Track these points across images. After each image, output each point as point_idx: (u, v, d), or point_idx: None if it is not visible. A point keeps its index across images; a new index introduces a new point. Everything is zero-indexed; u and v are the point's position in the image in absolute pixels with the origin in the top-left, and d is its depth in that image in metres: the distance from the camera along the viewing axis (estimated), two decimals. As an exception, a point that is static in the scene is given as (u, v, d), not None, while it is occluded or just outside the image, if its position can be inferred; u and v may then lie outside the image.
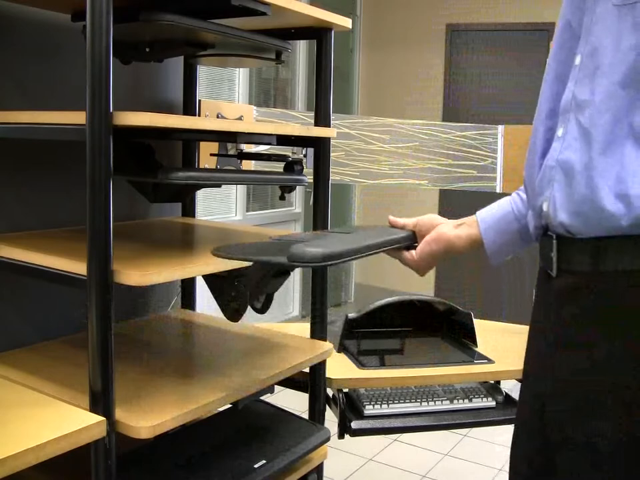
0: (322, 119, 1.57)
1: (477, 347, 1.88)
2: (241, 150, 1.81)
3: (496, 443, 2.95)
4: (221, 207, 4.01)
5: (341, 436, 1.62)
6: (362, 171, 2.53)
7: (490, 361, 1.78)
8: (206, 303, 1.72)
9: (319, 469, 1.55)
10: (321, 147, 1.56)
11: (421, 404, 1.68)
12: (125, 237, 1.45)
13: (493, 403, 1.73)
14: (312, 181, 1.59)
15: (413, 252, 1.16)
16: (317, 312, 1.61)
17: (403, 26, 5.07)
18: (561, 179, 0.89)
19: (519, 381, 1.06)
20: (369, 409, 1.64)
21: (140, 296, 1.74)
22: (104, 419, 1.05)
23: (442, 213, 4.86)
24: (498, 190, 2.54)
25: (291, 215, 4.67)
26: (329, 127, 1.57)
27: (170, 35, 1.31)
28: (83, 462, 1.08)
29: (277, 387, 1.41)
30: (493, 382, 1.84)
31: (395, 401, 1.67)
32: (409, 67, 5.08)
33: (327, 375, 1.62)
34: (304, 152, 1.61)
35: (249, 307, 1.40)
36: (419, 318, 1.99)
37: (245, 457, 1.32)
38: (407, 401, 1.68)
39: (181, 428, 1.35)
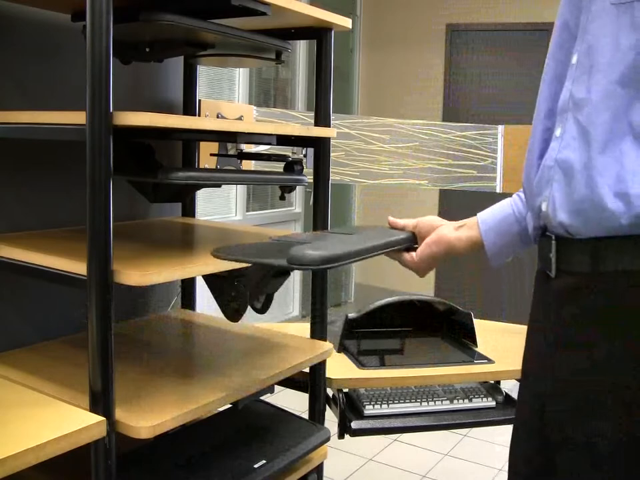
0: (322, 119, 1.57)
1: (477, 346, 1.88)
2: (241, 150, 1.81)
3: (496, 442, 2.95)
4: (221, 207, 4.01)
5: (340, 436, 1.62)
6: (362, 171, 2.53)
7: (490, 361, 1.78)
8: (206, 303, 1.72)
9: (318, 469, 1.55)
10: (321, 146, 1.56)
11: (420, 404, 1.68)
12: (125, 237, 1.45)
13: (493, 403, 1.73)
14: (312, 181, 1.59)
15: (413, 254, 1.16)
16: (316, 312, 1.61)
17: (403, 26, 5.07)
18: (560, 179, 0.89)
19: (519, 380, 1.06)
20: (368, 409, 1.64)
21: (140, 296, 1.74)
22: (104, 419, 1.05)
23: (442, 213, 4.87)
24: (498, 190, 2.54)
25: (291, 214, 4.67)
26: (329, 127, 1.57)
27: (170, 35, 1.31)
28: (83, 462, 1.08)
29: (277, 387, 1.41)
30: (492, 382, 1.84)
31: (395, 401, 1.67)
32: (408, 67, 5.08)
33: (327, 375, 1.62)
34: (304, 152, 1.61)
35: (249, 307, 1.40)
36: (419, 318, 1.99)
37: (245, 457, 1.32)
38: (406, 400, 1.68)
39: (181, 428, 1.35)
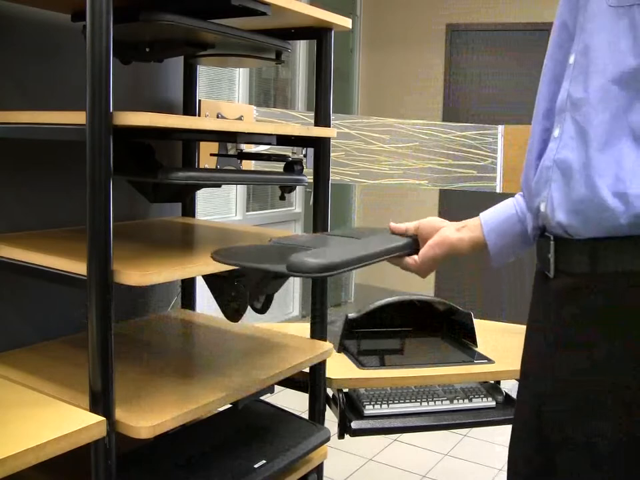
0: (322, 119, 1.57)
1: (477, 346, 1.88)
2: (241, 150, 1.81)
3: (496, 442, 2.95)
4: (220, 206, 4.01)
5: (340, 436, 1.62)
6: (362, 171, 2.53)
7: (490, 361, 1.78)
8: (206, 303, 1.72)
9: (318, 469, 1.55)
10: (321, 146, 1.56)
11: (420, 404, 1.68)
12: (125, 237, 1.45)
13: (493, 403, 1.73)
14: (312, 181, 1.59)
15: (415, 256, 1.15)
16: (317, 312, 1.61)
17: (403, 26, 5.07)
18: (558, 179, 0.89)
19: (518, 380, 1.06)
20: (368, 409, 1.64)
21: (140, 296, 1.74)
22: (104, 419, 1.05)
23: (442, 213, 4.87)
24: (498, 190, 2.54)
25: (291, 214, 4.67)
26: (329, 127, 1.57)
27: (170, 35, 1.31)
28: (83, 462, 1.08)
29: (277, 387, 1.41)
30: (492, 382, 1.84)
31: (395, 401, 1.67)
32: (409, 67, 5.08)
33: (327, 375, 1.62)
34: (304, 152, 1.61)
35: (249, 307, 1.40)
36: (419, 318, 1.99)
37: (245, 457, 1.32)
38: (407, 400, 1.68)
39: (181, 428, 1.35)
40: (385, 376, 1.69)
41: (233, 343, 1.59)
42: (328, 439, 1.51)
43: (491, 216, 1.11)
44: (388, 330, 1.98)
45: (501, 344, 1.93)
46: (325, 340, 1.62)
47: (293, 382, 1.59)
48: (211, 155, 1.84)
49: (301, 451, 1.40)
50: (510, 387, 1.83)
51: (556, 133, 0.91)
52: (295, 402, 1.87)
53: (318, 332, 1.62)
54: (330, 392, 1.68)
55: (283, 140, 1.52)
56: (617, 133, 0.83)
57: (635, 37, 0.81)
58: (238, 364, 1.42)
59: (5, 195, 1.41)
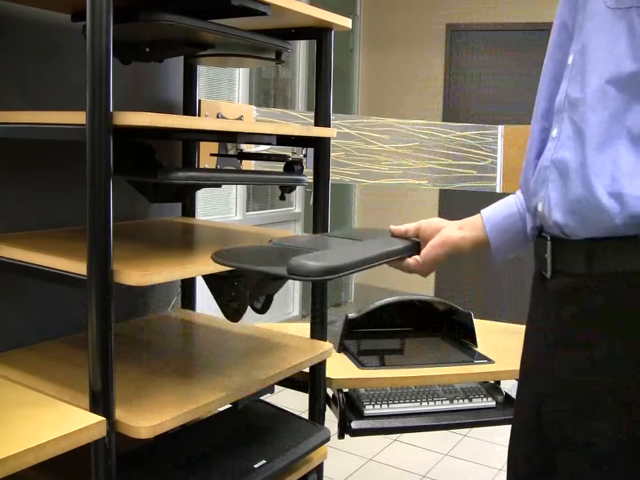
0: (322, 119, 1.57)
1: (477, 346, 1.88)
2: (241, 150, 1.81)
3: (496, 443, 2.95)
4: (220, 207, 4.01)
5: (340, 436, 1.62)
6: (362, 171, 2.53)
7: (490, 361, 1.78)
8: (206, 303, 1.72)
9: (318, 469, 1.55)
10: (321, 146, 1.56)
11: (420, 404, 1.68)
12: (125, 237, 1.45)
13: (493, 403, 1.73)
14: (312, 181, 1.59)
15: (417, 257, 1.15)
16: (317, 312, 1.61)
17: (403, 26, 5.07)
18: (556, 178, 0.89)
19: (518, 380, 1.06)
20: (368, 409, 1.64)
21: (140, 296, 1.74)
22: (104, 419, 1.05)
23: (442, 213, 4.87)
24: (498, 190, 2.54)
25: (291, 214, 4.67)
26: (329, 127, 1.57)
27: (170, 35, 1.31)
28: (83, 462, 1.08)
29: (277, 387, 1.41)
30: (492, 382, 1.84)
31: (395, 401, 1.67)
32: (409, 67, 5.08)
33: (327, 375, 1.62)
34: (304, 152, 1.61)
35: (249, 307, 1.40)
36: (419, 318, 1.99)
37: (245, 457, 1.32)
38: (407, 400, 1.68)
39: (181, 428, 1.35)
40: (385, 376, 1.69)
41: (233, 343, 1.59)
42: (328, 439, 1.51)
43: (493, 213, 1.12)
44: (388, 330, 1.98)
45: (501, 344, 1.93)
46: (325, 340, 1.62)
47: (293, 382, 1.59)
48: (211, 155, 1.84)
49: (300, 451, 1.40)
50: (510, 387, 1.83)
51: (554, 132, 0.92)
52: (295, 402, 1.87)
53: (318, 332, 1.62)
54: (330, 392, 1.68)
55: (283, 140, 1.52)
56: (613, 133, 0.83)
57: (633, 40, 0.81)
58: (238, 364, 1.42)
59: (5, 195, 1.41)
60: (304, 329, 1.67)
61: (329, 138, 1.56)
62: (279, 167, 1.60)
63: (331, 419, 1.64)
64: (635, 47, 0.81)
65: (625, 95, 0.83)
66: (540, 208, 0.93)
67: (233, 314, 1.42)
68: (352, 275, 5.42)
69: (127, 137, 1.30)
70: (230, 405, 1.31)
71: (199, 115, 1.83)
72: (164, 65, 1.74)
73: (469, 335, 1.91)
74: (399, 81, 5.11)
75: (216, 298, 1.43)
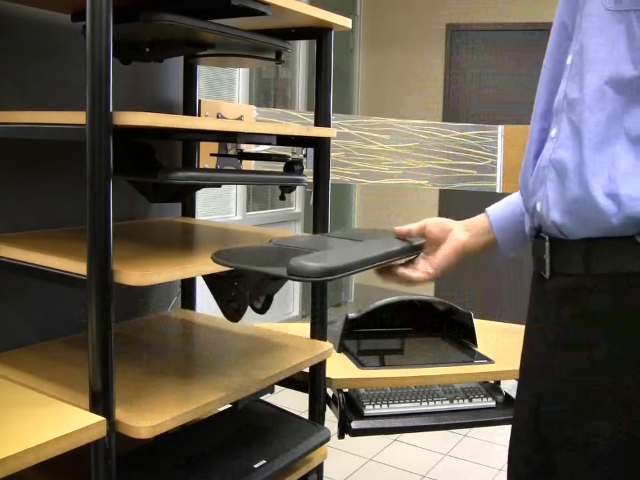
0: (322, 119, 1.57)
1: (477, 347, 1.88)
2: (241, 150, 1.81)
3: (496, 443, 2.95)
4: (220, 206, 4.01)
5: (340, 436, 1.62)
6: (362, 171, 2.53)
7: (490, 361, 1.78)
8: (206, 303, 1.72)
9: (318, 469, 1.55)
10: (321, 146, 1.56)
11: (420, 404, 1.68)
12: (125, 237, 1.45)
13: (493, 403, 1.73)
14: (312, 181, 1.59)
15: (428, 267, 1.12)
16: (317, 312, 1.61)
17: (403, 26, 5.07)
18: (554, 178, 0.89)
19: (518, 380, 1.06)
20: (368, 409, 1.64)
21: (140, 296, 1.74)
22: (104, 419, 1.05)
23: (442, 213, 4.86)
24: (498, 190, 2.54)
25: (291, 214, 4.67)
26: (329, 127, 1.57)
27: (170, 35, 1.31)
28: (83, 462, 1.08)
29: (277, 387, 1.41)
30: (492, 382, 1.84)
31: (395, 401, 1.67)
32: (408, 67, 5.08)
33: (327, 375, 1.62)
34: (304, 152, 1.61)
35: (249, 307, 1.41)
36: (419, 318, 1.99)
37: (245, 457, 1.32)
38: (407, 400, 1.68)
39: (181, 428, 1.35)
40: (384, 376, 1.69)
41: (233, 343, 1.59)
42: (328, 439, 1.51)
43: (499, 212, 1.12)
44: (388, 330, 1.98)
45: (501, 344, 1.93)
46: (325, 340, 1.62)
47: (292, 382, 1.59)
48: (211, 155, 1.84)
49: (300, 451, 1.40)
50: (510, 387, 1.83)
51: (553, 132, 0.92)
52: (295, 402, 1.87)
53: (318, 332, 1.62)
54: (330, 392, 1.68)
55: (283, 140, 1.52)
56: (611, 134, 0.83)
57: (632, 43, 0.81)
58: (238, 364, 1.42)
59: (5, 195, 1.41)
60: (304, 328, 1.67)
61: (329, 138, 1.56)
62: (279, 167, 1.60)
63: (330, 419, 1.64)
64: (634, 49, 0.81)
65: (623, 96, 0.83)
66: (538, 208, 0.93)
67: (233, 314, 1.42)
68: (352, 275, 5.41)
69: (127, 137, 1.30)
70: (230, 405, 1.31)
71: (199, 115, 1.83)
72: (164, 65, 1.74)
73: (468, 335, 1.91)
74: (399, 80, 5.11)
75: (216, 298, 1.43)
